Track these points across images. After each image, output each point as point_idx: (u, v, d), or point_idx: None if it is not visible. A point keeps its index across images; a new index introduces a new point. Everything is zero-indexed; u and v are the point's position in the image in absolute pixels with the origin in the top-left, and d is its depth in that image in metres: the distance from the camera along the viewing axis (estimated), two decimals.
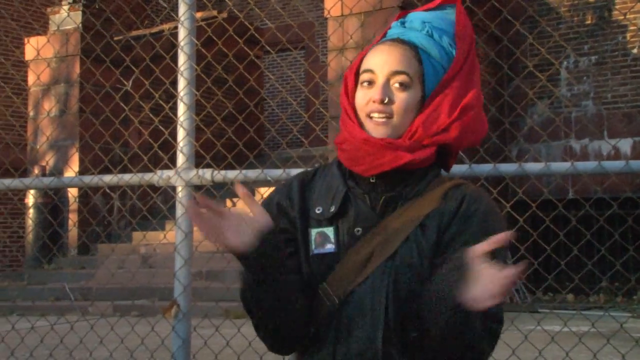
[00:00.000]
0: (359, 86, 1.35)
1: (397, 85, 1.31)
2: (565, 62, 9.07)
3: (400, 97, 1.31)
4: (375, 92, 1.31)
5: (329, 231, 1.31)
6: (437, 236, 1.28)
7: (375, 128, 1.31)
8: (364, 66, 1.35)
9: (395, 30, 1.38)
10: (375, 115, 1.31)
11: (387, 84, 1.31)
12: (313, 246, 1.31)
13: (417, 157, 1.30)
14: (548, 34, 8.64)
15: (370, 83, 1.33)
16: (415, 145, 1.30)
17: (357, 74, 1.37)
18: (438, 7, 1.39)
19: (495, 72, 7.97)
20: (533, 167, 2.55)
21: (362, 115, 1.33)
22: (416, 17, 1.38)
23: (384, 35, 1.40)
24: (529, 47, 8.52)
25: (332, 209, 1.32)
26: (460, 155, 2.52)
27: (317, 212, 1.33)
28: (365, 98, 1.33)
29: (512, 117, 8.52)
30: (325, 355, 1.28)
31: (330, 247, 1.30)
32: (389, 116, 1.31)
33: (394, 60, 1.31)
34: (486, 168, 2.53)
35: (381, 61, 1.32)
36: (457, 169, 2.48)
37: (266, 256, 1.23)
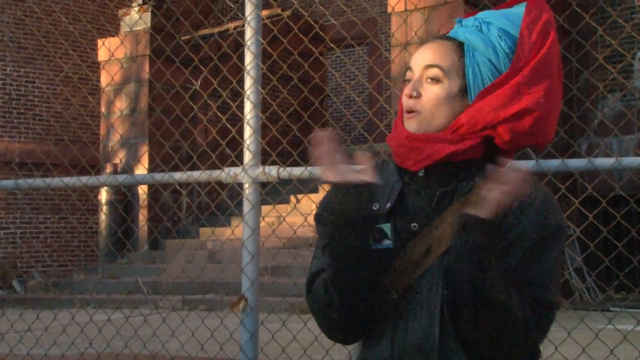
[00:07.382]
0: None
1: (428, 79, 1.33)
2: (639, 53, 8.74)
3: (429, 91, 1.32)
4: (407, 88, 1.34)
5: (386, 227, 1.32)
6: None
7: (407, 122, 1.35)
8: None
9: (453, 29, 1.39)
10: (408, 109, 1.35)
11: (420, 79, 1.34)
12: (371, 242, 1.31)
13: (459, 149, 1.30)
14: (621, 25, 8.35)
15: (409, 80, 1.36)
16: (458, 138, 1.31)
17: None
18: (511, 6, 1.38)
19: (564, 66, 7.76)
20: (603, 162, 2.48)
21: (404, 113, 1.37)
22: (476, 15, 1.37)
23: None
24: (600, 39, 8.26)
25: (388, 205, 1.34)
26: (526, 151, 2.48)
27: (374, 208, 1.34)
28: (403, 95, 1.37)
29: (582, 111, 8.27)
30: (384, 347, 1.30)
31: (387, 242, 1.31)
32: (418, 110, 1.33)
33: (426, 55, 1.34)
34: (554, 163, 2.48)
35: (417, 58, 1.35)
36: (524, 164, 2.44)
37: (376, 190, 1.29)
